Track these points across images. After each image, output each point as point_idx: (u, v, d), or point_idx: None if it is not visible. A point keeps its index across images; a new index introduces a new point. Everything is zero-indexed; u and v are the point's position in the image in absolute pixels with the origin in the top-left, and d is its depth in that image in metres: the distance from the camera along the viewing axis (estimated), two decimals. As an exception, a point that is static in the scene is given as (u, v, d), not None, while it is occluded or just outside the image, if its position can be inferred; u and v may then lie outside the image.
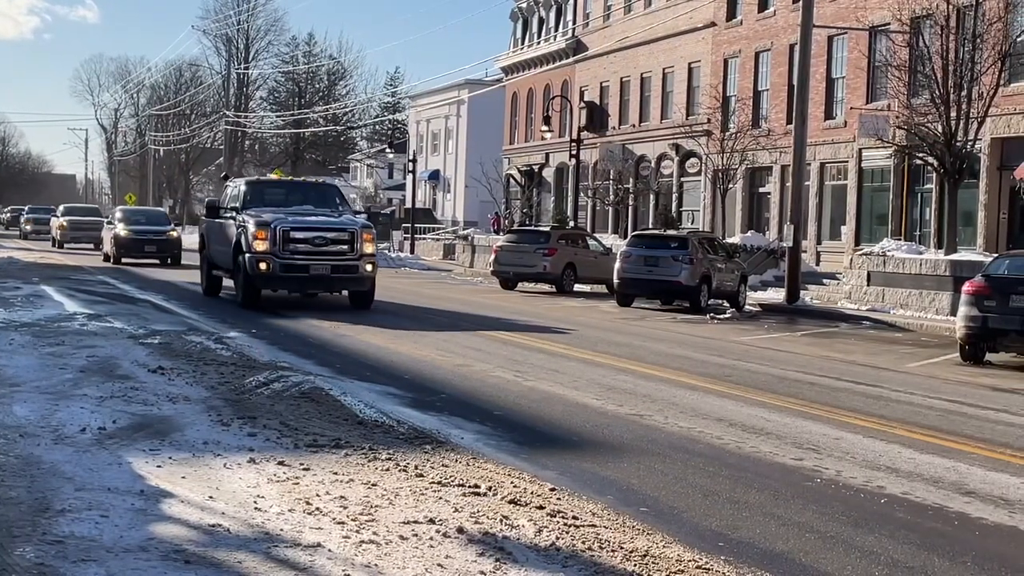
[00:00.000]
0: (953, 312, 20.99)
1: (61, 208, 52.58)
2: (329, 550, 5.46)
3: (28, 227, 63.46)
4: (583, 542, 5.86)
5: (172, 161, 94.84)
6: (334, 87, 76.76)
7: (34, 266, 32.05)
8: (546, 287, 32.15)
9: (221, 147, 77.58)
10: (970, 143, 27.08)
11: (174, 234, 36.16)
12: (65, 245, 47.70)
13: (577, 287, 32.00)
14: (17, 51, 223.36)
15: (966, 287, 17.12)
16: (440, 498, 6.58)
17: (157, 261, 35.21)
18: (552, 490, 7.06)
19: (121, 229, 35.06)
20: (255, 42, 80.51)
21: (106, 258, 36.38)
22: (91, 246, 46.51)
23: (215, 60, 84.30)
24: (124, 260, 34.94)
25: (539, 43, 59.41)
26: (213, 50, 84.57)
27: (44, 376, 10.30)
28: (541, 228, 36.00)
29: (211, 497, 6.32)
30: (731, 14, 42.90)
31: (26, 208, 72.31)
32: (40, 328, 14.51)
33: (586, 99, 52.98)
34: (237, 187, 22.41)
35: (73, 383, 9.95)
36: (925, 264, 25.80)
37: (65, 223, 48.46)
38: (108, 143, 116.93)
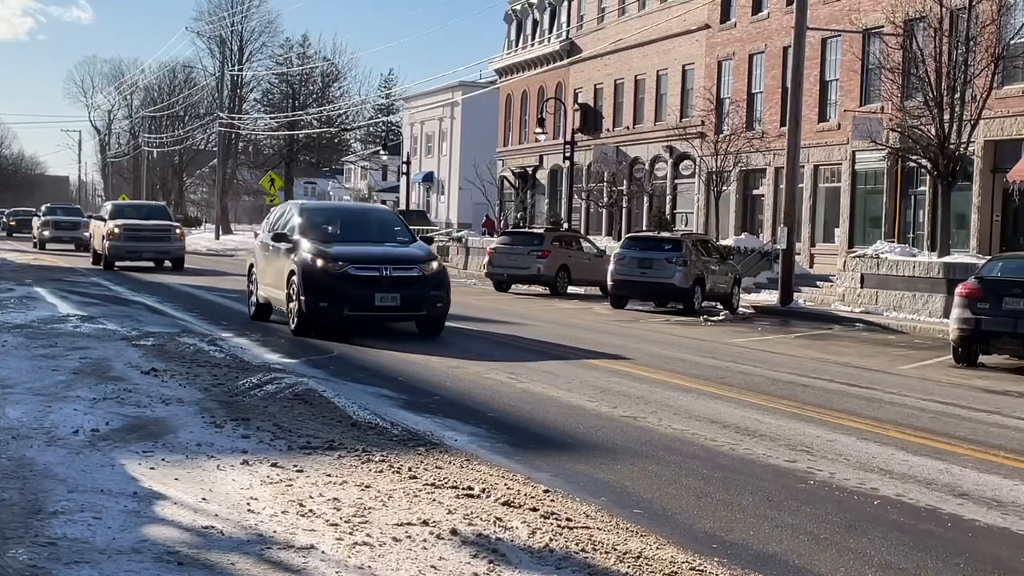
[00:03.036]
0: (946, 314, 21.02)
1: (108, 207, 36.49)
2: (322, 552, 5.46)
3: (46, 233, 48.89)
4: (577, 544, 5.86)
5: (166, 163, 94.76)
6: (328, 89, 76.71)
7: (29, 268, 32.00)
8: (540, 289, 32.16)
9: (215, 149, 77.46)
10: (963, 146, 27.11)
11: (434, 265, 16.79)
12: (117, 263, 33.26)
13: (571, 289, 32.01)
14: (11, 52, 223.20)
15: (959, 289, 17.15)
16: (434, 500, 6.58)
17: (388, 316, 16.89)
18: (546, 492, 7.06)
19: (310, 250, 16.18)
20: (249, 44, 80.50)
21: (260, 312, 18.17)
22: (152, 263, 34.23)
23: (209, 62, 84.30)
24: (331, 317, 16.09)
25: (533, 45, 59.44)
26: (207, 52, 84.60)
27: (37, 378, 10.28)
28: (535, 230, 36.00)
29: (204, 499, 6.31)
30: (725, 16, 42.93)
31: (42, 209, 55.24)
32: (33, 330, 14.49)
33: (580, 101, 53.00)
34: None
35: (66, 385, 9.94)
36: (918, 266, 25.84)
37: (117, 229, 32.70)
38: (101, 145, 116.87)
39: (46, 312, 17.40)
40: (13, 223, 72.68)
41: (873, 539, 6.51)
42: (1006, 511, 7.35)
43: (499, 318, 21.36)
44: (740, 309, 27.76)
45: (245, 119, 78.13)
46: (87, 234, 41.00)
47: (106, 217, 34.43)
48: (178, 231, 34.81)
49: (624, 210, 49.29)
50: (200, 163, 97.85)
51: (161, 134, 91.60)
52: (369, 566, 5.29)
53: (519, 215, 54.60)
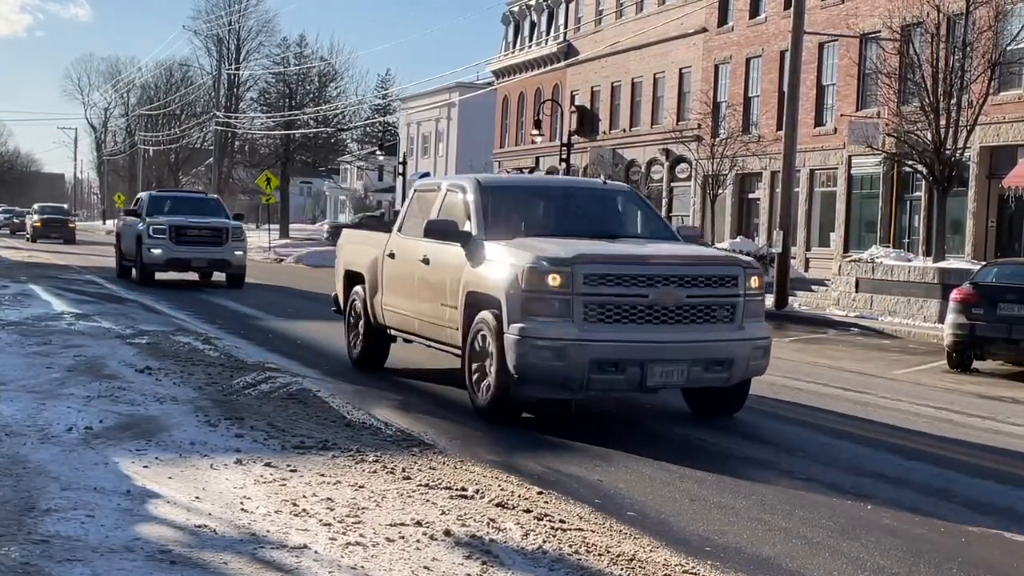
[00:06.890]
0: (941, 319, 21.02)
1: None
2: (315, 552, 5.45)
3: (156, 251, 24.70)
4: (570, 546, 5.85)
5: (161, 161, 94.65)
6: (325, 89, 76.55)
7: (25, 265, 31.93)
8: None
9: (211, 147, 77.42)
10: (959, 151, 27.13)
11: None
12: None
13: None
14: (8, 49, 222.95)
15: (954, 295, 17.16)
16: (427, 501, 6.57)
17: None
18: (539, 493, 7.05)
19: None
20: (246, 43, 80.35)
21: None
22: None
23: (206, 60, 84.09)
24: None
25: (530, 47, 59.45)
26: (204, 50, 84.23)
27: (31, 375, 10.25)
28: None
29: (197, 498, 6.30)
30: (722, 20, 42.97)
31: (143, 201, 27.22)
32: (27, 327, 14.45)
33: (577, 103, 53.03)
34: None
35: (60, 382, 9.91)
36: (913, 271, 25.84)
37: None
38: (98, 143, 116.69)
39: (41, 309, 17.36)
40: (37, 223, 55.10)
41: (866, 543, 6.51)
42: (999, 516, 7.36)
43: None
44: (735, 312, 27.72)
45: (241, 118, 78.02)
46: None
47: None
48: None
49: (620, 212, 49.23)
50: (196, 162, 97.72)
51: (157, 132, 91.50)
52: (362, 566, 5.28)
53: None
